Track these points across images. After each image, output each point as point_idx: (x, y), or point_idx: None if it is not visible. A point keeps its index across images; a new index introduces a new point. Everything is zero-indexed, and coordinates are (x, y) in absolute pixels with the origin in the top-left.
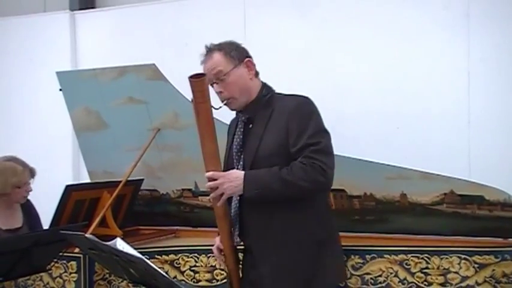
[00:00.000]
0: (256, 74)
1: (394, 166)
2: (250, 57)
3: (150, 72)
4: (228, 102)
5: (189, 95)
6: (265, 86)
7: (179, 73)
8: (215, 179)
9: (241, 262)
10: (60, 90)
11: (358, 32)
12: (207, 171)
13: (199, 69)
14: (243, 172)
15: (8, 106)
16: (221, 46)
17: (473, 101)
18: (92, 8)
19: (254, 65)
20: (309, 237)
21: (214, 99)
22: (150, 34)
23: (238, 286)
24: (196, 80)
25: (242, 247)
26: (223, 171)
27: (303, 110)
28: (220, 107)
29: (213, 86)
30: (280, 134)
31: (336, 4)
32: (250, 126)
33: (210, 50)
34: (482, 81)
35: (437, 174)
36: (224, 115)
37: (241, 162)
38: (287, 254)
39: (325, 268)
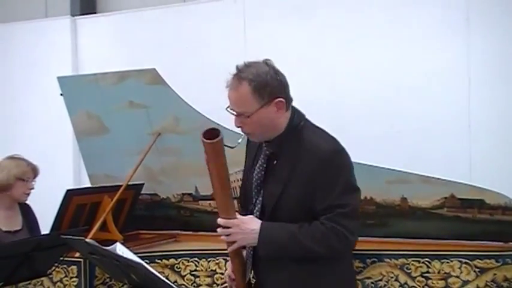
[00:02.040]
0: (288, 106)
1: (394, 170)
2: (283, 92)
3: (150, 77)
4: (248, 135)
5: (189, 100)
6: (295, 114)
7: (180, 78)
8: (229, 227)
9: None
10: (61, 95)
11: (357, 36)
12: (221, 217)
13: (198, 73)
14: (258, 225)
15: (9, 110)
16: (253, 78)
17: (473, 105)
18: (93, 13)
19: (285, 104)
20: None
21: None
22: (151, 39)
23: None
24: (210, 142)
25: None
26: (241, 200)
27: (334, 163)
28: (238, 143)
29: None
30: (307, 187)
31: (336, 8)
32: (275, 162)
33: (241, 77)
34: (482, 84)
35: (438, 178)
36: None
37: (260, 199)
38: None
39: None
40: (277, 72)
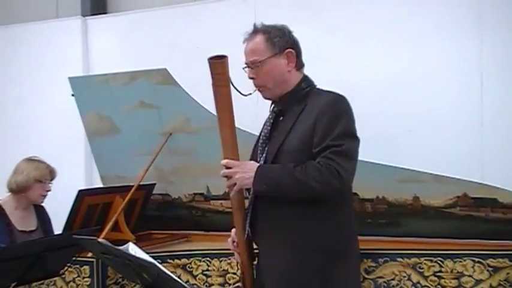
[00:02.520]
0: (299, 66)
1: (406, 169)
2: (294, 48)
3: (161, 77)
4: (260, 89)
5: (200, 100)
6: (305, 79)
7: (190, 77)
8: (230, 167)
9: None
10: (73, 95)
11: (368, 34)
12: (224, 158)
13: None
14: (257, 164)
15: (21, 111)
16: (268, 29)
17: (486, 103)
18: (104, 13)
19: (295, 58)
20: (321, 247)
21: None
22: (161, 39)
23: (250, 281)
24: (215, 61)
25: None
26: (251, 157)
27: (333, 109)
28: (250, 94)
29: (247, 70)
30: (307, 131)
31: (346, 6)
32: (281, 118)
33: (256, 30)
34: (495, 82)
35: (450, 177)
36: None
37: (264, 155)
38: (292, 260)
39: (334, 284)
40: (291, 32)
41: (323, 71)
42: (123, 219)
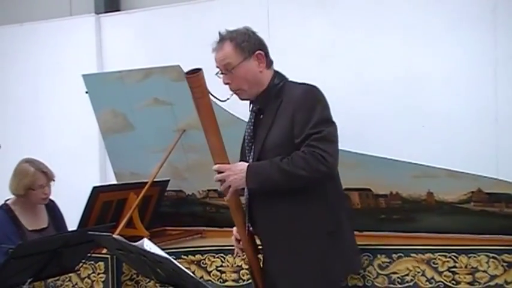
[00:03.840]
0: (269, 64)
1: (420, 164)
2: (262, 49)
3: (175, 74)
4: (236, 93)
5: (214, 94)
6: (277, 75)
7: (204, 74)
8: (222, 172)
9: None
10: (86, 92)
11: (382, 29)
12: (215, 164)
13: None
14: (246, 164)
15: (35, 109)
16: (233, 36)
17: (500, 98)
18: (117, 10)
19: (265, 58)
20: (316, 228)
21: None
22: (175, 35)
23: (259, 275)
24: (191, 76)
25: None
26: (240, 158)
27: (308, 100)
28: (228, 99)
29: (221, 76)
30: (286, 125)
31: (360, 2)
32: (261, 116)
33: (223, 38)
34: (509, 77)
35: (465, 173)
36: (234, 107)
37: (251, 153)
38: (293, 246)
39: (333, 259)
40: (254, 33)
41: (336, 67)
42: (138, 216)
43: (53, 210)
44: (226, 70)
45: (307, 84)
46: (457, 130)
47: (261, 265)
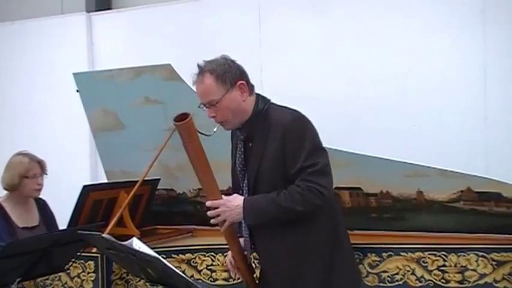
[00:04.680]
0: (251, 91)
1: (410, 163)
2: (243, 77)
3: (166, 73)
4: (222, 124)
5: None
6: (259, 99)
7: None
8: (216, 208)
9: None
10: (77, 91)
11: (373, 29)
12: (208, 199)
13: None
14: (242, 199)
15: (26, 107)
16: (213, 68)
17: (489, 97)
18: (108, 9)
19: (247, 86)
20: (314, 254)
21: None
22: (166, 34)
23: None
24: (180, 123)
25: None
26: (232, 185)
27: (296, 129)
28: (214, 132)
29: (205, 109)
30: (278, 156)
31: (351, 2)
32: (250, 144)
33: (202, 71)
34: (498, 76)
35: (454, 172)
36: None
37: (245, 181)
38: (295, 275)
39: (334, 278)
40: (233, 61)
41: (327, 68)
42: (128, 215)
43: (44, 209)
44: (210, 104)
45: (293, 110)
46: (447, 129)
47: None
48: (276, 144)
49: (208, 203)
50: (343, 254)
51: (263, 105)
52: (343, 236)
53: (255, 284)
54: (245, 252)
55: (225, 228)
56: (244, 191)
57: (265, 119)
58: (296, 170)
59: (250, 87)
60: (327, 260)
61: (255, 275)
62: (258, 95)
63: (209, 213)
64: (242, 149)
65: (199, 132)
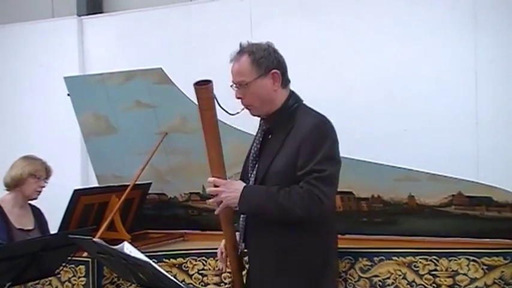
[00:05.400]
0: (285, 84)
1: (401, 168)
2: (279, 68)
3: (157, 77)
4: (248, 108)
5: (195, 99)
6: (292, 96)
7: (186, 77)
8: (217, 186)
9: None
10: (68, 95)
11: (364, 33)
12: (212, 176)
13: (205, 72)
14: (243, 184)
15: (17, 111)
16: (253, 51)
17: (480, 102)
18: (100, 13)
19: (281, 77)
20: (305, 261)
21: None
22: (157, 38)
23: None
24: (200, 87)
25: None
26: (242, 174)
27: (318, 133)
28: (238, 113)
29: (235, 88)
30: (293, 154)
31: (342, 5)
32: (269, 136)
33: (242, 51)
34: (489, 81)
35: (446, 176)
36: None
37: (254, 172)
38: (282, 278)
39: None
40: (275, 50)
41: (318, 71)
42: (119, 219)
43: (39, 215)
44: (239, 85)
45: (320, 116)
46: (438, 134)
47: (245, 281)
48: (294, 144)
49: (210, 179)
50: (331, 278)
51: (293, 102)
52: (333, 256)
53: (242, 281)
54: (238, 245)
55: (220, 210)
56: (251, 181)
57: (292, 116)
58: (304, 172)
59: (285, 80)
60: (312, 282)
61: (244, 272)
62: (292, 91)
63: (208, 189)
64: (260, 139)
65: (222, 109)
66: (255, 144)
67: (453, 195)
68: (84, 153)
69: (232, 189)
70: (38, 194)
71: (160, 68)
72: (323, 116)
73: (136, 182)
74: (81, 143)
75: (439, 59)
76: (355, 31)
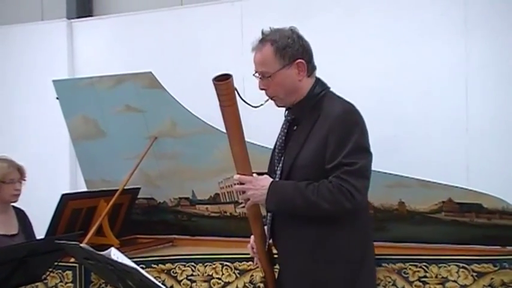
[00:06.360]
0: (310, 72)
1: (392, 174)
2: (304, 57)
3: (147, 81)
4: (272, 99)
5: (186, 104)
6: (318, 83)
7: (176, 81)
8: (243, 183)
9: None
10: (57, 98)
11: (355, 39)
12: (237, 173)
13: (196, 76)
14: (270, 181)
15: (5, 114)
16: (276, 40)
17: (471, 108)
18: (90, 16)
19: (306, 66)
20: (340, 256)
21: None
22: (148, 42)
23: (273, 285)
24: (220, 83)
25: None
26: (269, 167)
27: (345, 122)
28: (261, 105)
29: (258, 78)
30: (320, 146)
31: (333, 10)
32: (295, 128)
33: (264, 39)
34: (480, 87)
35: (436, 183)
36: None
37: (280, 165)
38: (313, 273)
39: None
40: (300, 37)
41: None
42: (107, 224)
43: (23, 219)
44: (262, 75)
45: (347, 104)
46: (428, 140)
47: (276, 277)
48: (321, 134)
49: (236, 177)
50: (370, 268)
51: (320, 90)
52: (371, 248)
53: (273, 275)
54: (267, 241)
55: (248, 207)
56: (277, 175)
57: (318, 105)
58: (333, 165)
59: (311, 68)
60: (350, 274)
61: (275, 267)
62: (318, 79)
63: (235, 187)
64: (285, 131)
65: (245, 102)
66: (279, 136)
67: (443, 202)
68: (73, 157)
69: (258, 187)
70: (16, 197)
71: (150, 72)
72: (351, 104)
73: (126, 187)
74: (70, 147)
75: (429, 65)
76: (346, 37)
